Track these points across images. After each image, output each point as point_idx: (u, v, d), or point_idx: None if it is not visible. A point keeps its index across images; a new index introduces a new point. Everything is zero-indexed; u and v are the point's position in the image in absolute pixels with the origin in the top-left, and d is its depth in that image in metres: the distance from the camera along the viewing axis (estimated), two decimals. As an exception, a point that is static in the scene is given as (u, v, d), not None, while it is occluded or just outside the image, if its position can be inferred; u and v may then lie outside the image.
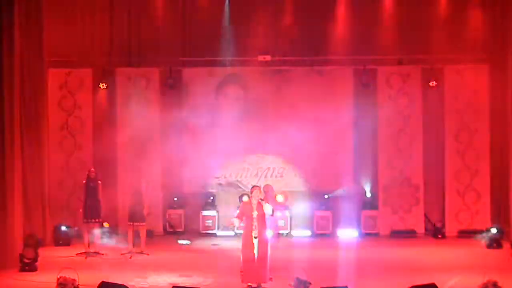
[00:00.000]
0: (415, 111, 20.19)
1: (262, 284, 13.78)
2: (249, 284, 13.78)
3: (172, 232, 20.21)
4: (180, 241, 19.06)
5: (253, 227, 13.74)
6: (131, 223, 17.21)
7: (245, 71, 20.58)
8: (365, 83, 20.17)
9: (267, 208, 13.75)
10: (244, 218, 13.90)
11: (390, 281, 14.18)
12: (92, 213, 17.13)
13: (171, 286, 11.73)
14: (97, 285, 11.95)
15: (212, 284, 13.40)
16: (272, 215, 13.99)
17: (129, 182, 17.85)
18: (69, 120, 20.17)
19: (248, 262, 13.74)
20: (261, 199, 13.84)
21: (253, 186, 14.24)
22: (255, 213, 13.75)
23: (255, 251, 13.68)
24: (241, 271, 13.89)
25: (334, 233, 19.98)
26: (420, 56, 20.07)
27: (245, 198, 18.71)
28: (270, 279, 13.89)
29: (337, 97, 20.39)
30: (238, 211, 14.19)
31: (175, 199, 20.42)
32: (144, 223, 17.37)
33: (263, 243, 13.75)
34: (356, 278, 14.26)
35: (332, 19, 20.17)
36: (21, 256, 15.36)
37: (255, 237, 13.70)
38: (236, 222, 14.08)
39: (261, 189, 14.45)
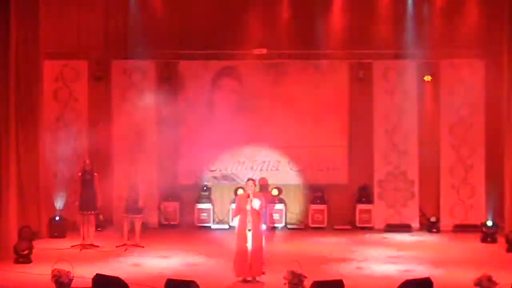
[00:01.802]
0: (410, 106, 20.18)
1: (257, 278, 13.82)
2: (243, 278, 13.83)
3: (167, 225, 20.21)
4: None
5: (247, 220, 13.79)
6: (127, 215, 17.23)
7: (241, 64, 20.56)
8: (361, 77, 20.18)
9: (255, 203, 13.78)
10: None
11: (385, 275, 14.21)
12: (87, 205, 17.12)
13: (166, 279, 11.74)
14: (92, 277, 11.96)
15: (207, 277, 13.39)
16: (260, 210, 13.97)
17: (125, 174, 17.83)
18: (65, 112, 20.15)
19: (241, 255, 13.80)
20: (248, 195, 13.84)
21: (248, 179, 14.28)
22: (248, 206, 13.80)
23: (249, 244, 13.73)
24: (234, 265, 13.93)
25: (329, 227, 19.99)
26: (416, 50, 20.04)
27: (240, 191, 18.74)
28: (263, 273, 13.93)
29: (333, 91, 20.39)
30: (235, 207, 14.27)
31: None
32: (139, 216, 17.38)
33: (257, 236, 13.80)
34: (351, 271, 14.29)
35: (328, 12, 20.14)
36: (16, 248, 15.37)
37: (249, 230, 13.75)
38: (236, 221, 14.17)
39: (256, 182, 14.46)
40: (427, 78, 19.96)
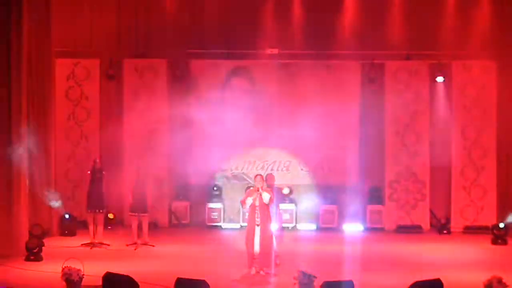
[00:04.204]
0: (422, 107, 20.15)
1: (265, 269, 13.92)
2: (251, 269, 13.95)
3: (177, 224, 20.22)
4: None
5: (256, 215, 13.91)
6: (135, 214, 17.22)
7: (252, 64, 20.56)
8: (372, 78, 20.15)
9: (265, 196, 13.86)
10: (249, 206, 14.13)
11: (395, 276, 14.18)
12: (96, 203, 17.14)
13: (176, 278, 11.75)
14: (102, 275, 11.98)
15: (216, 277, 13.39)
16: (269, 204, 14.04)
17: (135, 173, 17.83)
18: (76, 111, 20.20)
19: (250, 249, 13.92)
20: (258, 188, 13.94)
21: (257, 175, 14.38)
22: (258, 202, 13.89)
23: (257, 238, 13.83)
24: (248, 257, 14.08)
25: (339, 227, 19.96)
26: (428, 51, 20.01)
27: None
28: (277, 264, 14.05)
29: (344, 91, 20.33)
30: (244, 196, 14.37)
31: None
32: (146, 214, 17.33)
33: (265, 231, 13.90)
34: (361, 272, 14.26)
35: (340, 13, 20.12)
36: (27, 246, 15.40)
37: (257, 225, 13.86)
38: (249, 200, 14.10)
39: (263, 178, 14.53)
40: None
